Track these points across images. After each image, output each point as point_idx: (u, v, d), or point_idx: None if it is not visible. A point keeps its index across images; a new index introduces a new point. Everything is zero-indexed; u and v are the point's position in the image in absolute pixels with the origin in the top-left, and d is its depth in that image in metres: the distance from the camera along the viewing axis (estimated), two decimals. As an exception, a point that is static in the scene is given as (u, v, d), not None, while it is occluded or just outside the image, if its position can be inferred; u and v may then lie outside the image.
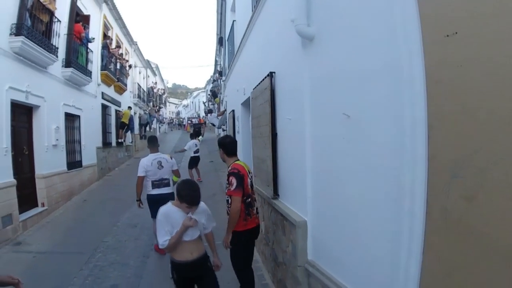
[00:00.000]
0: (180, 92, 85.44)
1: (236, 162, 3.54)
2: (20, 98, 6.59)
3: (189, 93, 64.59)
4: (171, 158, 5.28)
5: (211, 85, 27.88)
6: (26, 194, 6.86)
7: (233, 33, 9.07)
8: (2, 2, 5.95)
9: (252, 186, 3.60)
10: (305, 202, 3.16)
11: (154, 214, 4.68)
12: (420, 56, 1.64)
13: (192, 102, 52.97)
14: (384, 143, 1.96)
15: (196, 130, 16.94)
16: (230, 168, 3.45)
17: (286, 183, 3.90)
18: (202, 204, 2.95)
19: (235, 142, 3.82)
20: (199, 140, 12.31)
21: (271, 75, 4.19)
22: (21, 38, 6.29)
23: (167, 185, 5.13)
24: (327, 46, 2.76)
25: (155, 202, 4.66)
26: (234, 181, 3.28)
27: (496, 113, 1.26)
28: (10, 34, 6.31)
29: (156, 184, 5.03)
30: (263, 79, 4.48)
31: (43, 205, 7.35)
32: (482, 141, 1.34)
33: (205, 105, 32.73)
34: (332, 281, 2.62)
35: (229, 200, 3.33)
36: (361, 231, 2.28)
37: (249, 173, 3.59)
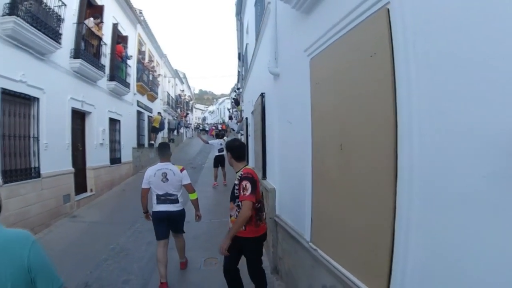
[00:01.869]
0: (206, 98, 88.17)
1: (247, 167, 3.42)
2: (77, 106, 8.53)
3: (215, 99, 66.91)
4: (182, 171, 4.43)
5: (234, 93, 29.79)
6: (79, 181, 8.72)
7: (246, 53, 10.72)
8: (65, 33, 7.80)
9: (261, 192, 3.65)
10: (275, 176, 4.74)
11: (158, 235, 4.33)
12: (309, 93, 3.16)
13: (218, 108, 54.96)
14: (300, 137, 3.48)
15: (221, 134, 17.88)
16: (241, 173, 3.29)
17: (269, 167, 5.48)
18: None
19: (244, 146, 3.66)
20: (224, 139, 12.66)
21: (262, 95, 5.84)
22: (79, 60, 8.22)
23: (175, 201, 4.32)
24: (284, 81, 4.34)
25: (160, 220, 4.31)
26: (248, 186, 3.12)
27: (327, 121, 2.77)
28: (70, 57, 8.23)
29: (161, 199, 4.29)
30: (258, 97, 6.11)
31: (91, 190, 9.25)
32: (324, 134, 2.85)
33: (229, 112, 34.62)
34: (286, 224, 4.13)
35: (240, 205, 3.17)
36: (293, 188, 3.84)
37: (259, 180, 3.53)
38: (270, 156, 5.32)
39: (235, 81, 30.74)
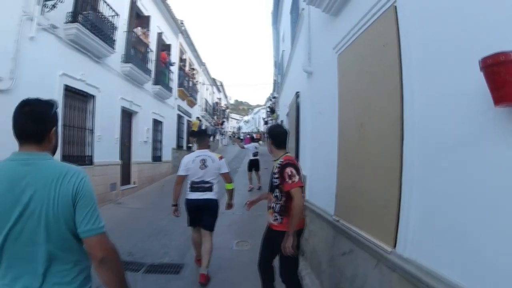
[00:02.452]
0: (242, 108, 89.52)
1: (287, 154, 3.16)
2: (126, 105, 9.42)
3: (250, 110, 68.06)
4: (221, 159, 4.32)
5: (270, 102, 30.48)
6: (124, 173, 9.54)
7: (282, 60, 11.27)
8: (117, 40, 8.67)
9: None
10: (306, 165, 5.12)
11: (191, 222, 4.31)
12: (337, 85, 3.57)
13: (253, 118, 55.96)
14: (329, 125, 3.84)
15: (253, 138, 18.29)
16: (281, 160, 3.02)
17: (302, 158, 5.87)
18: None
19: (286, 132, 3.32)
20: (259, 143, 12.89)
21: (297, 94, 6.35)
22: (130, 64, 9.11)
23: (209, 189, 4.17)
24: (316, 78, 4.78)
25: (192, 209, 4.21)
26: (294, 172, 2.85)
27: (351, 106, 3.16)
28: (122, 61, 9.13)
29: (195, 186, 4.16)
30: (294, 96, 6.63)
31: (134, 183, 10.05)
32: (348, 117, 3.23)
33: (264, 120, 35.35)
34: (314, 205, 4.49)
35: (279, 196, 2.99)
36: (321, 173, 4.22)
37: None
38: (303, 148, 5.74)
39: (271, 91, 31.60)
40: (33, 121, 1.37)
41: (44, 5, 6.00)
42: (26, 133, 1.37)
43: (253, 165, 10.85)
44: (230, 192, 4.44)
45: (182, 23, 15.55)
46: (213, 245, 4.26)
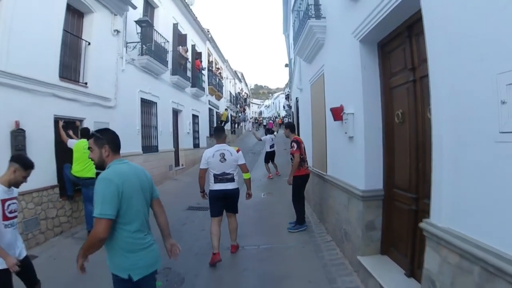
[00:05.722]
0: (262, 92, 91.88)
1: (295, 136, 6.04)
2: (175, 106, 12.68)
3: (270, 94, 70.47)
4: (238, 152, 4.72)
5: (287, 89, 33.32)
6: (176, 158, 12.86)
7: (291, 64, 14.17)
8: (169, 59, 11.79)
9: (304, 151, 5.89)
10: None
11: (214, 212, 4.65)
12: (310, 101, 6.65)
13: (273, 102, 58.18)
14: (309, 120, 6.97)
15: (269, 129, 18.86)
16: (292, 139, 5.87)
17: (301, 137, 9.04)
18: None
19: (294, 125, 7.29)
20: (274, 135, 13.92)
21: (296, 99, 9.43)
22: (177, 76, 12.30)
23: (231, 180, 4.60)
24: (304, 93, 7.90)
25: (217, 199, 4.61)
26: (295, 145, 5.59)
27: (315, 113, 6.31)
28: (171, 74, 12.27)
29: (219, 179, 4.55)
30: (295, 99, 9.75)
31: (182, 165, 13.38)
32: (314, 117, 6.34)
33: (284, 107, 38.23)
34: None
35: (292, 157, 5.70)
36: (307, 145, 7.43)
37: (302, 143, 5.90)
38: (301, 132, 8.85)
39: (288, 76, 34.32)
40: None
41: (127, 47, 9.19)
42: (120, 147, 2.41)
43: (270, 157, 11.63)
44: (248, 182, 4.95)
45: (208, 32, 18.51)
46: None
